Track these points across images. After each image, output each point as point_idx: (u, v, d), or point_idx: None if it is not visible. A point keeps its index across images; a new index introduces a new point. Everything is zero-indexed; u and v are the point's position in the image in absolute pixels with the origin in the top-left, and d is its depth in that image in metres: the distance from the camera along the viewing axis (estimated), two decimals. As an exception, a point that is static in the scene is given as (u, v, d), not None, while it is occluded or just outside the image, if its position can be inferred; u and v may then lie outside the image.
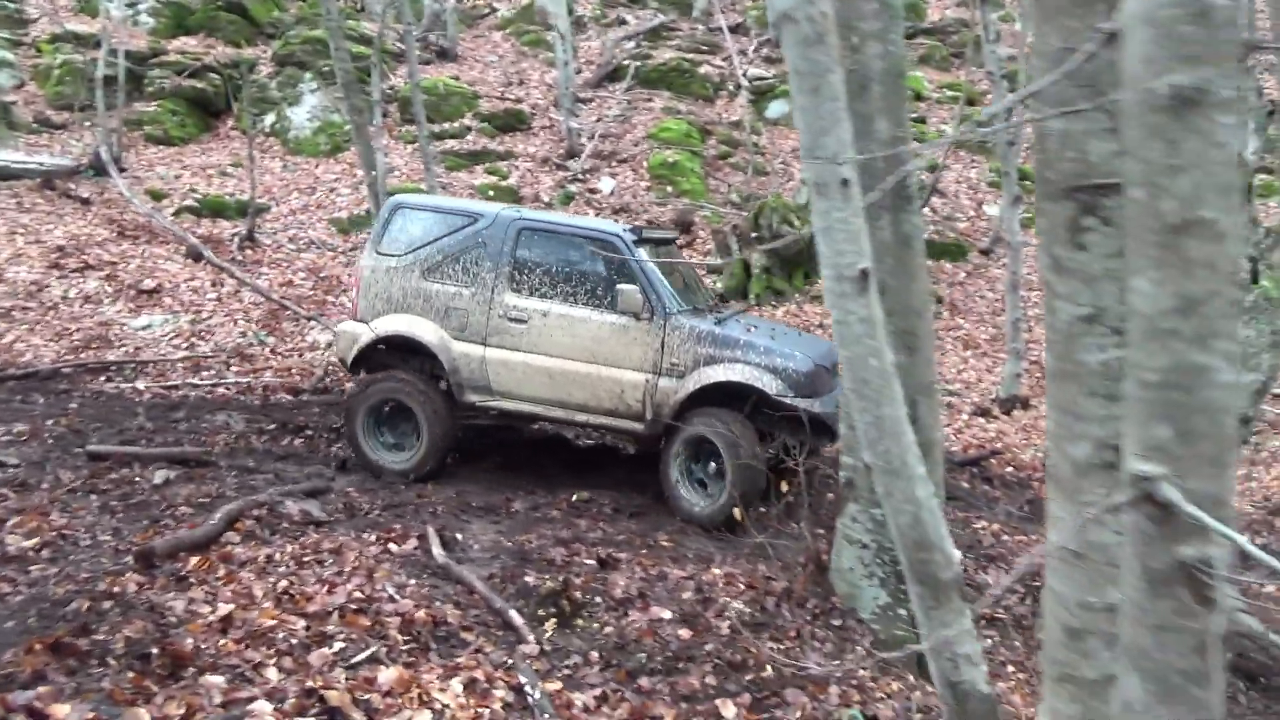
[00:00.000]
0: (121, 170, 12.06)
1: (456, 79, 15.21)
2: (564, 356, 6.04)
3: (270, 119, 14.04)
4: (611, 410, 6.04)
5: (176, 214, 11.59)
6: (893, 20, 3.30)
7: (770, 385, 5.71)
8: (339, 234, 11.81)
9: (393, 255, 6.44)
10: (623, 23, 17.64)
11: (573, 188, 12.98)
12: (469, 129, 14.12)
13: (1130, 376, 1.08)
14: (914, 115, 15.52)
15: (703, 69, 15.77)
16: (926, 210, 12.69)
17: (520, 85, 15.61)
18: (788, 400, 5.63)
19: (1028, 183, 13.28)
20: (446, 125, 14.13)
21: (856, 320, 2.19)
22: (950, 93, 15.89)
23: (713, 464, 5.81)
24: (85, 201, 11.37)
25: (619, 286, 5.92)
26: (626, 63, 15.95)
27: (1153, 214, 1.05)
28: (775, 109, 15.16)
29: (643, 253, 6.17)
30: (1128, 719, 1.12)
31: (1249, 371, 6.44)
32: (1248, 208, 6.46)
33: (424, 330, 6.29)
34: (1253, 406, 6.51)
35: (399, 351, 6.49)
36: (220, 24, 15.39)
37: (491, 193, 12.49)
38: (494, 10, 18.19)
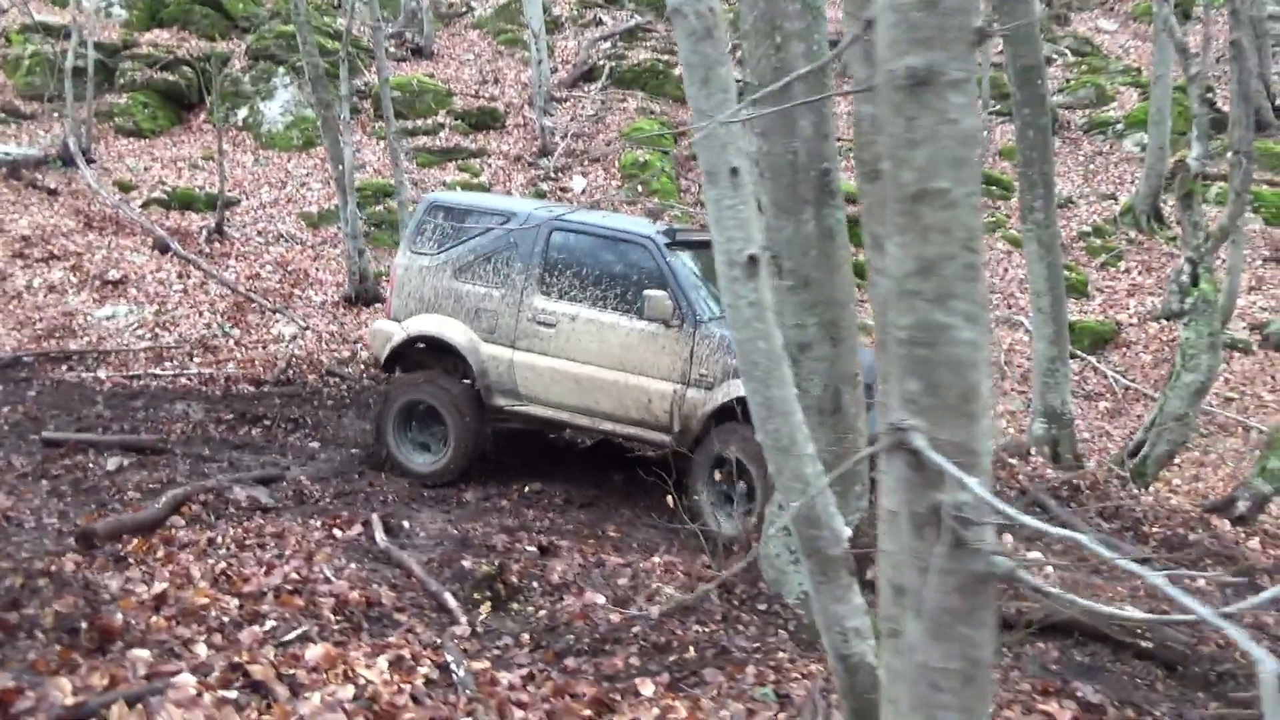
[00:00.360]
0: (90, 162, 12.03)
1: (431, 76, 15.26)
2: (591, 363, 5.82)
3: (243, 113, 14.04)
4: (639, 420, 5.78)
5: (145, 206, 11.57)
6: (815, 20, 3.40)
7: None
8: (309, 228, 11.83)
9: (425, 254, 6.30)
10: (599, 23, 17.73)
11: (544, 186, 13.06)
12: (442, 126, 14.19)
13: (889, 334, 1.18)
14: (885, 119, 15.68)
15: (677, 70, 15.87)
16: (893, 213, 12.84)
17: (495, 84, 15.68)
18: None
19: (994, 187, 13.48)
20: (420, 122, 14.18)
21: (746, 304, 2.29)
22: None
23: (742, 483, 5.38)
24: (52, 192, 11.35)
25: (646, 292, 5.62)
26: (602, 63, 16.05)
27: (896, 184, 1.16)
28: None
29: (683, 255, 5.89)
30: (911, 658, 1.21)
31: (1188, 371, 6.61)
32: (1190, 213, 6.63)
33: (454, 331, 6.14)
34: (1192, 406, 6.69)
35: (432, 352, 6.34)
36: (194, 17, 15.36)
37: (457, 189, 12.55)
38: (471, 9, 18.24)
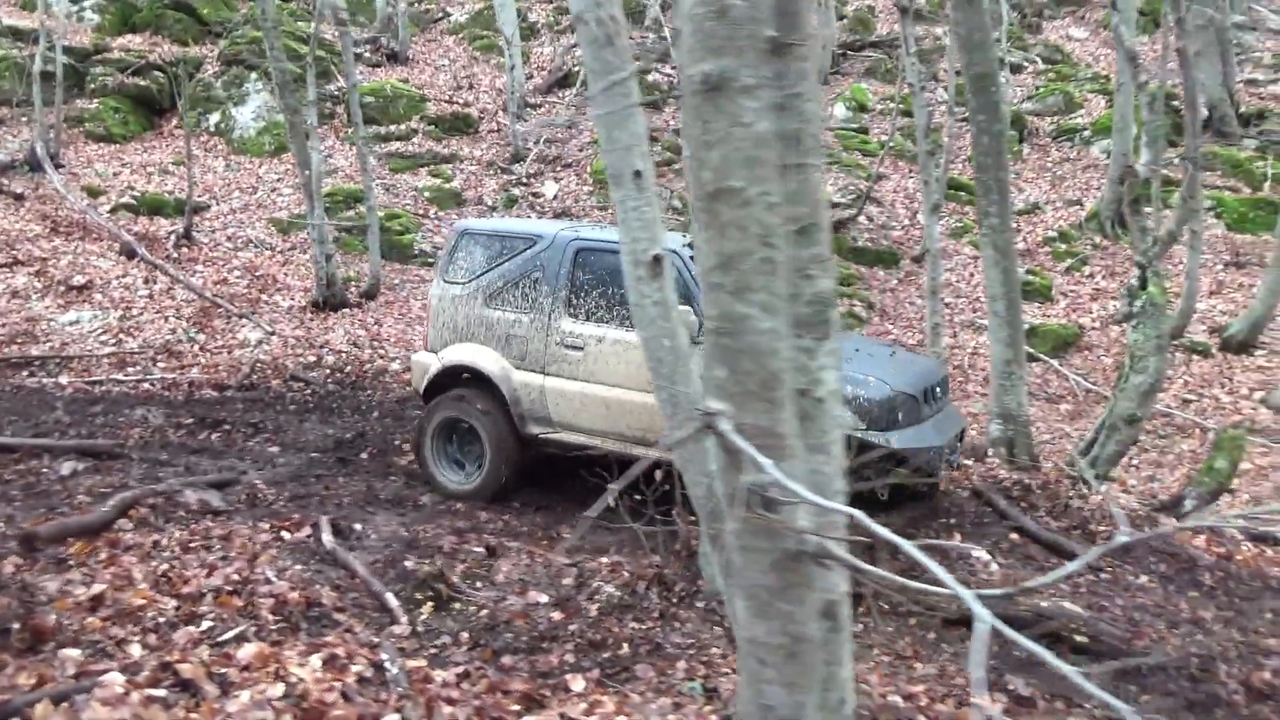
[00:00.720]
0: (59, 167, 11.99)
1: (406, 82, 15.29)
2: (620, 385, 5.73)
3: (215, 118, 14.04)
4: None
5: (113, 211, 11.55)
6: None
7: None
8: (278, 233, 11.83)
9: (458, 283, 6.29)
10: (575, 30, 17.81)
11: (516, 191, 13.11)
12: (415, 131, 14.21)
13: (703, 325, 1.24)
14: (857, 126, 15.85)
15: (651, 76, 15.97)
16: (862, 218, 12.97)
17: (470, 89, 15.72)
18: (858, 434, 4.92)
19: (963, 193, 13.62)
20: (393, 128, 14.21)
21: (650, 303, 2.35)
22: (893, 104, 16.23)
23: None
24: (19, 197, 11.30)
25: None
26: (577, 69, 16.12)
27: (697, 183, 1.22)
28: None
29: None
30: (739, 633, 1.26)
31: (1137, 374, 6.72)
32: (1138, 218, 6.74)
33: (486, 360, 6.10)
34: (1141, 407, 6.79)
35: (472, 381, 6.27)
36: (167, 22, 15.35)
37: (427, 194, 12.60)
38: (447, 15, 18.28)
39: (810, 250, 1.48)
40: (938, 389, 5.80)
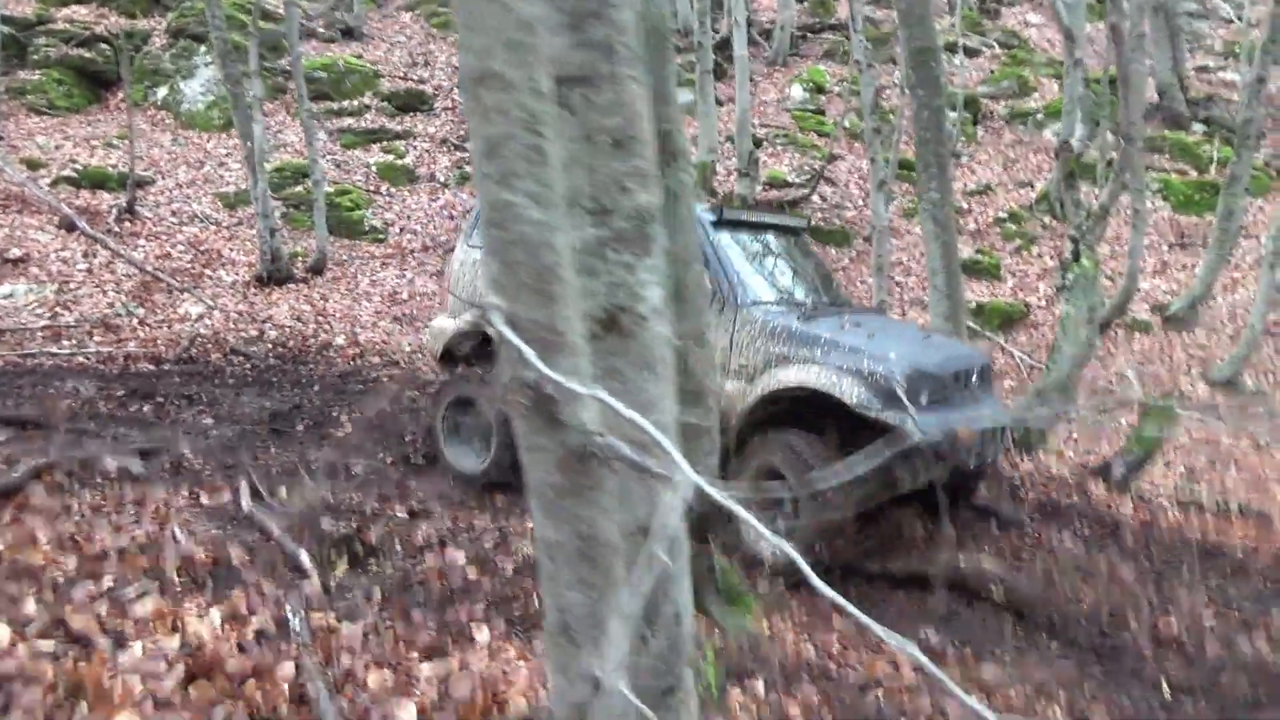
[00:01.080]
0: (-3, 139, 11.71)
1: (359, 57, 15.09)
2: None
3: (163, 92, 13.77)
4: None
5: (54, 184, 11.30)
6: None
7: (850, 392, 4.58)
8: (225, 208, 11.65)
9: (479, 247, 6.02)
10: (534, 8, 17.65)
11: (469, 169, 13.01)
12: (368, 108, 14.05)
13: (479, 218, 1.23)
14: (815, 108, 15.90)
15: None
16: (816, 198, 13.03)
17: (425, 66, 15.55)
18: (872, 414, 4.53)
19: (914, 173, 13.73)
20: (346, 103, 14.03)
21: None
22: (848, 85, 16.29)
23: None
24: (-46, 169, 11.02)
25: None
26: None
27: (464, 69, 1.21)
28: (682, 96, 15.41)
29: (730, 235, 5.48)
30: (537, 535, 1.27)
31: (1069, 344, 6.83)
32: (1072, 192, 6.82)
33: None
34: (1072, 376, 6.90)
35: (485, 349, 5.96)
36: (113, -7, 15.01)
37: (379, 170, 12.48)
38: (404, -9, 18.04)
39: (627, 164, 1.48)
40: (973, 376, 5.23)
